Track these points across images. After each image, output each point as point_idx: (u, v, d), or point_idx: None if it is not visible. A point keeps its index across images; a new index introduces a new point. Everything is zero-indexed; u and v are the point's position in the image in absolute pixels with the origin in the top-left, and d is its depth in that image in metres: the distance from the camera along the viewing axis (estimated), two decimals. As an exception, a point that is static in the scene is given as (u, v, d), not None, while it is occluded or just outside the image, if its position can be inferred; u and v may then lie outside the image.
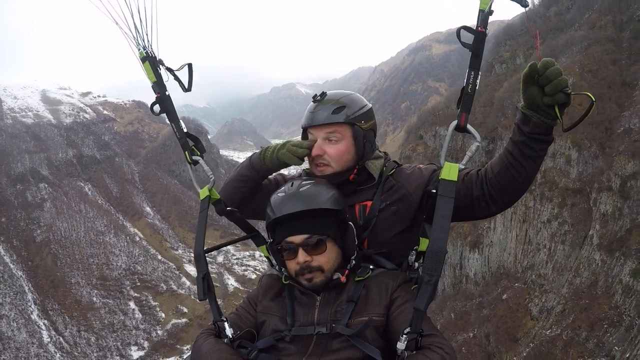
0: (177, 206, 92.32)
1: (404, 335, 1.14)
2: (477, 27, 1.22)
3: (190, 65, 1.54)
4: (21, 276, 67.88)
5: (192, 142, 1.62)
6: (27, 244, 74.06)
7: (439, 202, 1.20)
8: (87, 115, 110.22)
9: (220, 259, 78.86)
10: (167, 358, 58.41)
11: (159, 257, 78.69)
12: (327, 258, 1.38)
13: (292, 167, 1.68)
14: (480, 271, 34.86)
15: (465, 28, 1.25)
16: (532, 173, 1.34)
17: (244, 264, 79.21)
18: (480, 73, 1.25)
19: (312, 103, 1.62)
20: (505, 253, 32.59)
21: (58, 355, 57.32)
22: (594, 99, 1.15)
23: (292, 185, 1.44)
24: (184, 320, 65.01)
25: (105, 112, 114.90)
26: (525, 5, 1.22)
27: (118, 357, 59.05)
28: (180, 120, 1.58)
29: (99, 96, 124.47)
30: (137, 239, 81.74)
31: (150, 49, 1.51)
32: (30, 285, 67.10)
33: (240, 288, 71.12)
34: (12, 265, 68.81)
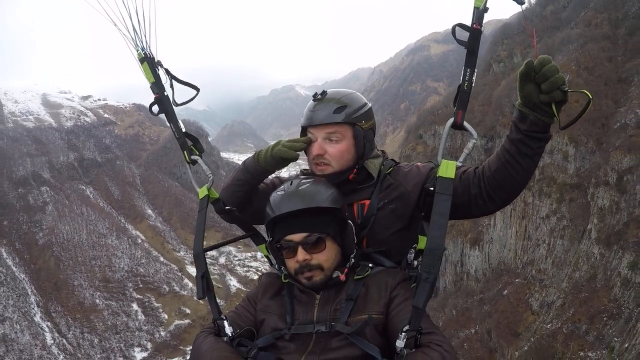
0: (178, 208, 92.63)
1: (403, 333, 1.14)
2: (472, 24, 1.22)
3: (197, 90, 1.59)
4: (24, 279, 68.11)
5: (190, 141, 1.62)
6: (30, 247, 74.36)
7: (437, 200, 1.21)
8: (87, 119, 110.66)
9: (222, 260, 79.16)
10: (170, 359, 58.62)
11: (161, 259, 78.97)
12: (326, 256, 1.39)
13: (286, 169, 1.72)
14: (481, 268, 35.15)
15: (461, 25, 1.25)
16: (529, 171, 1.34)
17: (246, 265, 79.47)
18: (476, 70, 1.26)
19: (312, 102, 1.62)
20: (505, 249, 32.89)
21: (62, 356, 57.48)
22: (590, 97, 1.15)
23: (291, 184, 1.45)
24: (186, 321, 65.21)
25: (105, 115, 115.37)
26: (521, 2, 1.23)
27: (121, 359, 59.19)
28: (179, 121, 1.59)
29: (99, 99, 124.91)
30: (139, 241, 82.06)
31: (148, 50, 1.52)
32: (33, 287, 67.34)
33: (243, 289, 71.33)
34: (14, 268, 69.06)
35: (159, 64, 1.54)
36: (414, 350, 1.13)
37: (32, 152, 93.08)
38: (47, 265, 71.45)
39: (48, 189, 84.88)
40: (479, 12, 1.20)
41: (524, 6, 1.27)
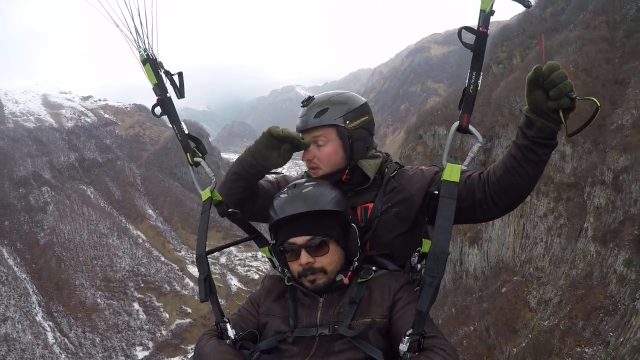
0: (179, 208, 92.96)
1: (406, 337, 1.14)
2: (478, 27, 1.22)
3: (180, 74, 1.56)
4: (25, 278, 68.29)
5: (193, 143, 1.61)
6: (31, 247, 74.59)
7: (441, 203, 1.20)
8: (88, 119, 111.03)
9: (222, 260, 79.48)
10: (171, 358, 58.84)
11: (162, 258, 79.28)
12: (329, 259, 1.38)
13: (286, 169, 1.96)
14: (480, 266, 35.55)
15: (467, 28, 1.25)
16: (534, 177, 1.33)
17: (247, 265, 79.83)
18: (482, 73, 1.25)
19: (301, 108, 1.63)
20: (503, 248, 33.31)
21: (63, 356, 57.62)
22: (599, 104, 1.13)
23: (294, 187, 1.44)
24: (187, 320, 65.49)
25: (106, 115, 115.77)
26: (527, 5, 1.20)
27: (123, 358, 59.35)
28: (182, 122, 1.58)
29: (99, 100, 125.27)
30: (140, 241, 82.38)
31: (150, 51, 1.51)
32: (34, 287, 67.54)
33: (243, 288, 71.73)
34: (16, 268, 69.23)
35: (161, 65, 1.53)
36: (417, 353, 1.14)
37: (33, 153, 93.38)
38: (49, 265, 71.71)
39: (49, 189, 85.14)
40: (485, 15, 1.20)
41: (530, 8, 1.26)
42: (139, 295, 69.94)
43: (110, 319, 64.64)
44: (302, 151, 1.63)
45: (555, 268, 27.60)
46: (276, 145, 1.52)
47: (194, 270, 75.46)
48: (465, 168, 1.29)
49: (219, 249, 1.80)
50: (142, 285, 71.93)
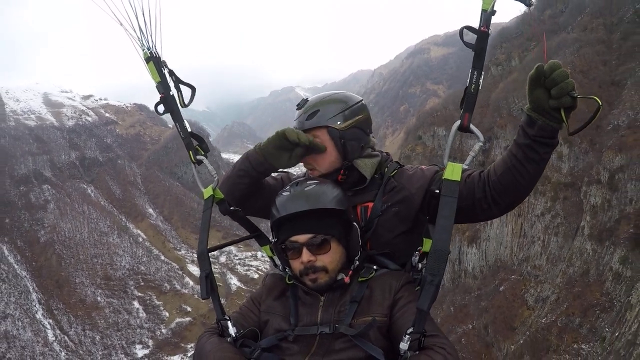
0: (179, 208, 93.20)
1: (407, 336, 1.14)
2: (479, 27, 1.22)
3: (193, 89, 1.56)
4: (25, 276, 68.36)
5: (196, 142, 1.60)
6: (31, 245, 74.73)
7: (442, 202, 1.20)
8: (89, 118, 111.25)
9: (222, 259, 79.75)
10: (171, 356, 59.07)
11: (162, 257, 79.50)
12: (331, 258, 1.39)
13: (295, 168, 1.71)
14: (478, 265, 35.87)
15: (468, 28, 1.25)
16: (535, 176, 1.34)
17: (247, 264, 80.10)
18: (483, 73, 1.25)
19: (296, 111, 1.65)
20: (501, 247, 33.65)
21: (63, 353, 57.80)
22: (600, 103, 1.13)
23: (297, 185, 1.45)
24: (187, 319, 65.70)
25: (107, 114, 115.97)
26: (529, 4, 1.21)
27: (123, 356, 59.54)
28: (185, 120, 1.58)
29: (100, 99, 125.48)
30: (140, 239, 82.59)
31: (154, 50, 1.51)
32: (34, 285, 67.65)
33: (243, 287, 72.03)
34: (16, 266, 69.30)
35: (164, 64, 1.53)
36: (417, 352, 1.15)
37: (34, 151, 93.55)
38: (49, 263, 71.84)
39: (49, 187, 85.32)
40: (487, 14, 1.21)
41: (531, 7, 1.26)
42: (139, 294, 70.15)
43: (110, 317, 64.82)
44: None
45: (552, 266, 27.94)
46: (289, 147, 1.51)
47: (193, 269, 75.74)
48: (466, 167, 1.30)
49: (221, 246, 1.81)
50: (142, 283, 72.14)
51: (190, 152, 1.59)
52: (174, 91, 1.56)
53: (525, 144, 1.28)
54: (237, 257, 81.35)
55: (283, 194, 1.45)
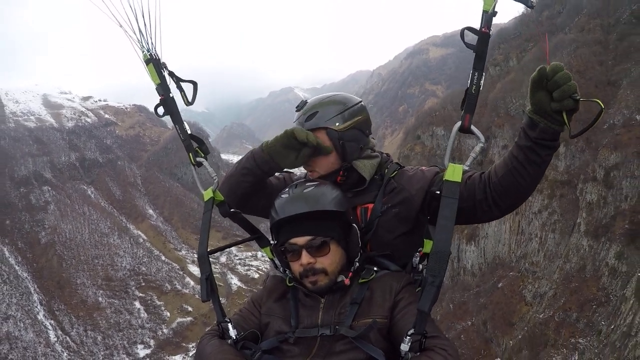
0: (179, 208, 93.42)
1: (408, 337, 1.14)
2: (480, 28, 1.22)
3: (195, 85, 1.56)
4: (26, 277, 68.44)
5: (196, 143, 1.60)
6: (32, 246, 74.83)
7: (443, 203, 1.20)
8: (88, 119, 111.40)
9: (223, 259, 79.97)
10: (173, 356, 59.29)
11: (163, 258, 79.72)
12: (330, 260, 1.38)
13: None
14: (477, 262, 36.27)
15: (470, 29, 1.25)
16: (536, 178, 1.33)
17: (247, 264, 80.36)
18: (484, 74, 1.24)
19: (295, 112, 1.65)
20: (499, 244, 34.06)
21: (65, 354, 57.92)
22: (602, 106, 1.12)
23: (296, 187, 1.44)
24: (189, 318, 65.90)
25: (106, 116, 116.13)
26: (531, 6, 1.20)
27: (125, 356, 59.70)
28: (185, 122, 1.57)
29: (99, 100, 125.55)
30: (141, 240, 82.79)
31: (154, 51, 1.51)
32: (35, 286, 67.72)
33: (244, 287, 72.31)
34: (17, 267, 69.36)
35: (164, 66, 1.52)
36: (418, 354, 1.14)
37: (34, 152, 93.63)
38: (50, 264, 71.98)
39: (50, 188, 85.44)
40: (488, 15, 1.21)
41: (533, 8, 1.25)
42: (140, 294, 70.35)
43: (111, 318, 64.99)
44: None
45: (549, 263, 28.35)
46: (297, 147, 1.50)
47: (194, 269, 75.98)
48: (467, 168, 1.29)
49: (221, 249, 1.79)
50: (143, 284, 72.34)
51: (190, 154, 1.59)
52: (173, 93, 1.55)
53: (527, 146, 1.28)
54: (238, 257, 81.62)
55: (282, 196, 1.44)
